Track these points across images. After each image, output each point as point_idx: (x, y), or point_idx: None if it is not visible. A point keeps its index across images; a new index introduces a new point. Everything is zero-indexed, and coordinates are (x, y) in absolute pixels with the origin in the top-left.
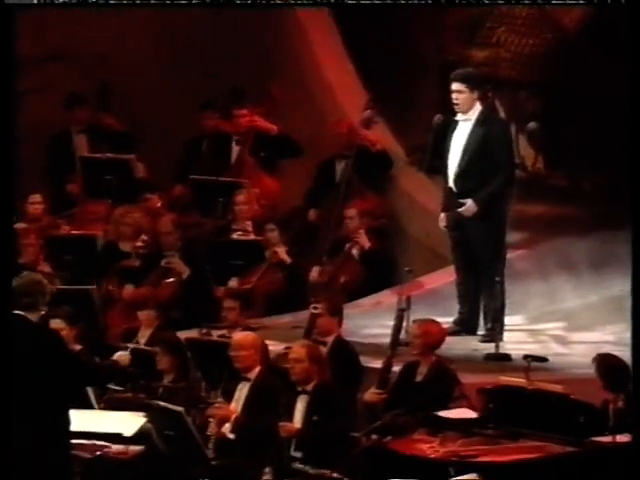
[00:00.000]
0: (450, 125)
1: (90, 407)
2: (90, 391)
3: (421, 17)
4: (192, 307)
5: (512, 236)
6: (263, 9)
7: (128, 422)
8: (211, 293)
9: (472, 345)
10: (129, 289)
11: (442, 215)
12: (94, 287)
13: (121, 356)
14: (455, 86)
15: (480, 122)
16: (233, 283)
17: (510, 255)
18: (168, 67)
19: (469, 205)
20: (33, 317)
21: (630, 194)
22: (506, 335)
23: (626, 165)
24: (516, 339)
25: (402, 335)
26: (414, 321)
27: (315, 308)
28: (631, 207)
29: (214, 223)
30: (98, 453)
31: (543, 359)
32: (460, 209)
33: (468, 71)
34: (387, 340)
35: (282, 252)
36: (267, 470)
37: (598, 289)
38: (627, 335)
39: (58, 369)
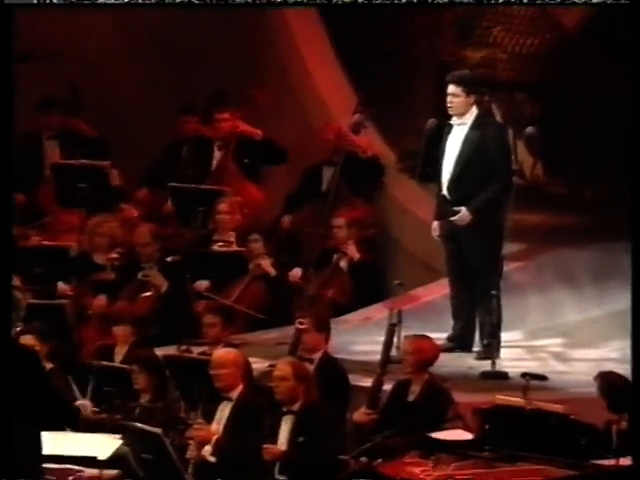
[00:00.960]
0: (444, 130)
1: (62, 429)
2: None
3: (413, 16)
4: (171, 322)
5: (509, 247)
6: (249, 9)
7: (103, 444)
8: (191, 308)
9: (467, 362)
10: (102, 302)
11: (435, 224)
12: (67, 301)
13: (84, 405)
14: (451, 89)
15: (476, 126)
16: (202, 286)
17: (507, 267)
18: (146, 68)
19: (463, 214)
20: None
21: (630, 202)
22: (503, 352)
23: (627, 171)
24: (514, 356)
25: (393, 352)
26: (406, 337)
27: (301, 323)
28: (631, 215)
29: (194, 233)
30: (71, 478)
31: (542, 377)
32: (453, 218)
33: (465, 73)
34: (377, 357)
35: (266, 264)
36: None
37: (600, 303)
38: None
39: (32, 389)
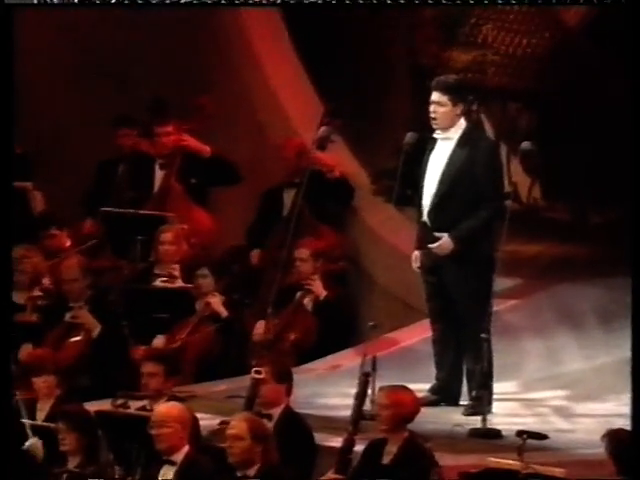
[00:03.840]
0: (426, 145)
1: None
2: None
3: (388, 13)
4: (104, 372)
5: (502, 282)
6: (202, 8)
7: None
8: (128, 355)
9: (453, 418)
10: (25, 350)
11: (415, 253)
12: None
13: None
14: (434, 97)
15: (463, 142)
16: (158, 342)
17: (499, 306)
18: (76, 73)
19: (444, 241)
20: None
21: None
22: (495, 406)
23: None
24: (508, 411)
25: (366, 406)
26: (381, 388)
27: (258, 372)
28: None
29: (132, 267)
30: None
31: (541, 436)
32: (432, 245)
33: (450, 79)
34: (347, 412)
35: (217, 303)
36: None
37: (609, 348)
38: None
39: None
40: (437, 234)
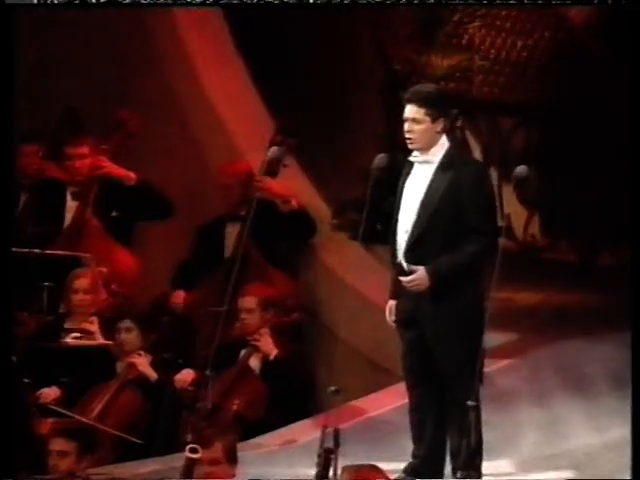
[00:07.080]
0: (399, 170)
1: None
2: None
3: (352, 10)
4: (2, 450)
5: (493, 338)
6: (132, 9)
7: None
8: (32, 429)
9: None
10: None
11: (390, 304)
12: None
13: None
14: (410, 111)
15: (445, 165)
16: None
17: (491, 367)
18: None
19: (419, 275)
20: None
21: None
22: None
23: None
24: None
25: None
26: (345, 468)
27: (193, 450)
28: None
29: (37, 320)
30: None
31: None
32: (404, 278)
33: (430, 89)
34: None
35: (143, 363)
36: None
37: (623, 419)
38: None
39: None
40: (413, 267)
